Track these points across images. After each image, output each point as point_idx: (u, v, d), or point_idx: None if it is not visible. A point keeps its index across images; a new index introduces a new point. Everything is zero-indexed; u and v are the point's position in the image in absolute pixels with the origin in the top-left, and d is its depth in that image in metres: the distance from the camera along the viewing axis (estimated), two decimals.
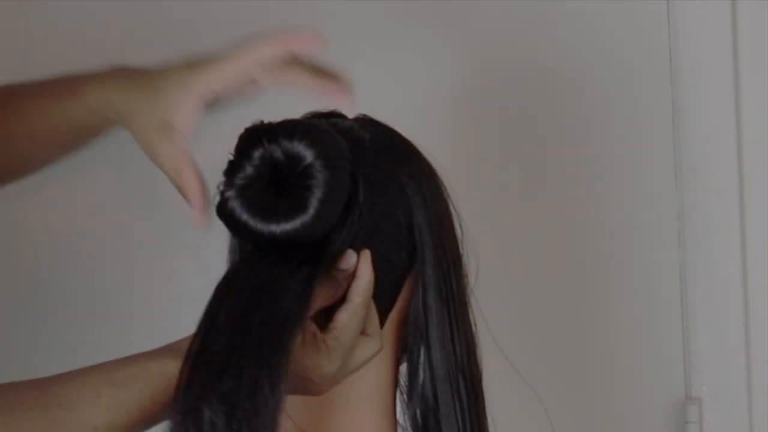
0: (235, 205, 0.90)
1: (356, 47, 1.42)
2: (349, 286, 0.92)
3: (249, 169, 0.90)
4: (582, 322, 1.53)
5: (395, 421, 0.99)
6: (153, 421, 0.88)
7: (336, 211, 0.92)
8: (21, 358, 1.38)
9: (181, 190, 0.97)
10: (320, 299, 0.91)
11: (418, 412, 0.99)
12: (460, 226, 1.01)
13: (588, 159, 1.54)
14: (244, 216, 0.90)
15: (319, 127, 0.93)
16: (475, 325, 1.00)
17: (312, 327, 0.90)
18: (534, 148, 1.52)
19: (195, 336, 0.87)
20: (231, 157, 0.92)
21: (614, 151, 1.54)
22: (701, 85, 1.55)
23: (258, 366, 0.83)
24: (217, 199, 0.91)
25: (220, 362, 0.84)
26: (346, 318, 0.91)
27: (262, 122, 0.93)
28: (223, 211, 0.91)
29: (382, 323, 0.96)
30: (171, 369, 0.86)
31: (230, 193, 0.90)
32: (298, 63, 0.96)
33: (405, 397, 1.00)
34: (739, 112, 1.55)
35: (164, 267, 1.41)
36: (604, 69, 1.54)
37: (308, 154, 0.90)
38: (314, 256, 0.91)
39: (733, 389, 1.55)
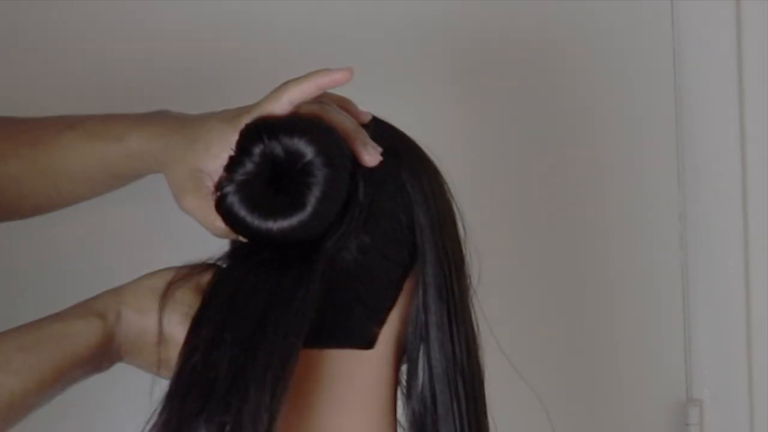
0: (233, 200, 0.90)
1: (358, 47, 1.42)
2: None
3: (249, 165, 0.91)
4: (583, 323, 1.53)
5: (395, 421, 0.99)
6: (70, 380, 0.91)
7: (334, 210, 0.92)
8: None
9: (210, 230, 0.97)
10: None
11: (416, 412, 0.98)
12: (464, 227, 1.00)
13: (590, 160, 1.54)
14: (242, 212, 0.90)
15: (320, 124, 0.93)
16: (478, 326, 0.99)
17: None
18: (536, 148, 1.52)
19: (193, 346, 0.88)
20: (232, 153, 0.92)
21: (616, 151, 1.54)
22: (704, 86, 1.55)
23: (261, 396, 0.85)
24: (217, 193, 0.92)
25: (224, 387, 0.86)
26: None
27: (263, 118, 0.93)
28: (222, 206, 0.91)
29: (382, 321, 0.96)
30: (79, 328, 0.90)
31: (229, 188, 0.91)
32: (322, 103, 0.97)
33: (405, 396, 0.99)
34: (742, 113, 1.55)
35: (163, 263, 1.41)
36: (607, 69, 1.54)
37: (308, 151, 0.90)
38: (313, 258, 0.91)
39: (734, 391, 1.55)
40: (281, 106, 0.94)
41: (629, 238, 1.54)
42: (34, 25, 1.37)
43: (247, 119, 0.94)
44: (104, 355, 0.94)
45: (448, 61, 1.48)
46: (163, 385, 1.41)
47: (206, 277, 0.94)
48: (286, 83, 0.95)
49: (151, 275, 0.95)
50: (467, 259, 1.00)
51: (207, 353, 0.87)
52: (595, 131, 1.54)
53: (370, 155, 0.94)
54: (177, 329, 0.93)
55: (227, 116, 0.96)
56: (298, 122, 0.92)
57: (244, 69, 1.39)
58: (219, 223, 0.93)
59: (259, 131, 0.91)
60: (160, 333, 0.93)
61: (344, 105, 0.99)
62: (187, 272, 0.95)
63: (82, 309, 0.92)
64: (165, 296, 0.93)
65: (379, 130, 0.99)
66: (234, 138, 0.93)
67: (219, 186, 0.92)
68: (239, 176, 0.91)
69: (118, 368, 1.37)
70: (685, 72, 1.55)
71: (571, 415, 1.49)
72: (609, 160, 1.54)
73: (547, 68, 1.52)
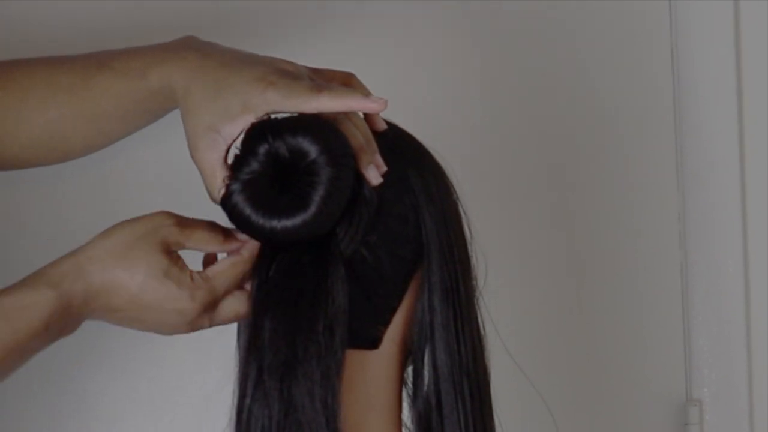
0: (238, 199, 0.91)
1: (361, 45, 1.42)
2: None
3: (254, 165, 0.91)
4: (583, 323, 1.52)
5: (399, 421, 0.99)
6: (28, 352, 0.91)
7: (338, 209, 0.92)
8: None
9: (209, 192, 0.96)
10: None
11: (422, 412, 0.98)
12: (469, 229, 1.00)
13: (589, 159, 1.53)
14: (247, 210, 0.91)
15: (324, 123, 0.93)
16: (484, 327, 0.99)
17: (180, 261, 0.93)
18: (536, 149, 1.51)
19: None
20: (237, 152, 0.92)
21: (615, 151, 1.54)
22: (704, 86, 1.55)
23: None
24: (223, 191, 0.92)
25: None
26: (227, 265, 0.94)
27: (268, 118, 0.93)
28: (228, 204, 0.92)
29: (388, 321, 0.96)
30: (29, 301, 0.90)
31: (235, 187, 0.91)
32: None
33: (410, 397, 0.99)
34: (741, 113, 1.55)
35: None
36: (605, 69, 1.54)
37: (312, 150, 0.91)
38: (326, 258, 0.92)
39: (733, 391, 1.55)
40: (308, 109, 0.93)
41: (629, 237, 1.54)
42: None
43: (273, 94, 0.93)
44: (63, 321, 0.93)
45: (451, 61, 1.48)
46: (163, 386, 1.41)
47: (174, 232, 0.93)
48: (322, 91, 0.93)
49: (107, 235, 0.94)
50: (473, 260, 1.00)
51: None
52: (593, 131, 1.54)
53: (370, 176, 0.94)
54: (145, 283, 0.92)
55: (254, 74, 0.95)
56: (302, 121, 0.92)
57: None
58: (218, 189, 0.93)
59: (264, 131, 0.91)
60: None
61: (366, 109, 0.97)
62: (148, 229, 0.93)
63: (34, 279, 0.92)
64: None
65: (386, 131, 0.99)
66: (256, 102, 0.93)
67: (225, 184, 0.92)
68: (244, 175, 0.91)
69: (117, 368, 1.36)
70: (684, 72, 1.55)
71: (572, 415, 1.49)
72: (608, 160, 1.54)
73: (542, 68, 1.52)
